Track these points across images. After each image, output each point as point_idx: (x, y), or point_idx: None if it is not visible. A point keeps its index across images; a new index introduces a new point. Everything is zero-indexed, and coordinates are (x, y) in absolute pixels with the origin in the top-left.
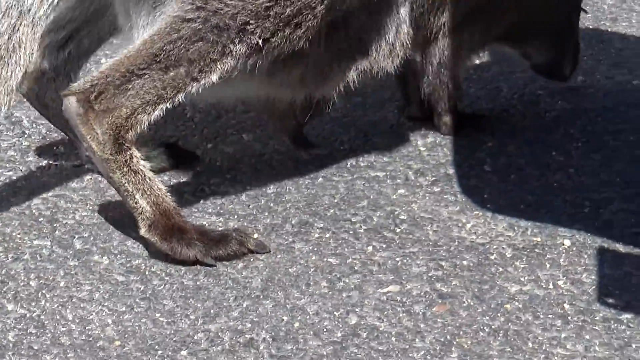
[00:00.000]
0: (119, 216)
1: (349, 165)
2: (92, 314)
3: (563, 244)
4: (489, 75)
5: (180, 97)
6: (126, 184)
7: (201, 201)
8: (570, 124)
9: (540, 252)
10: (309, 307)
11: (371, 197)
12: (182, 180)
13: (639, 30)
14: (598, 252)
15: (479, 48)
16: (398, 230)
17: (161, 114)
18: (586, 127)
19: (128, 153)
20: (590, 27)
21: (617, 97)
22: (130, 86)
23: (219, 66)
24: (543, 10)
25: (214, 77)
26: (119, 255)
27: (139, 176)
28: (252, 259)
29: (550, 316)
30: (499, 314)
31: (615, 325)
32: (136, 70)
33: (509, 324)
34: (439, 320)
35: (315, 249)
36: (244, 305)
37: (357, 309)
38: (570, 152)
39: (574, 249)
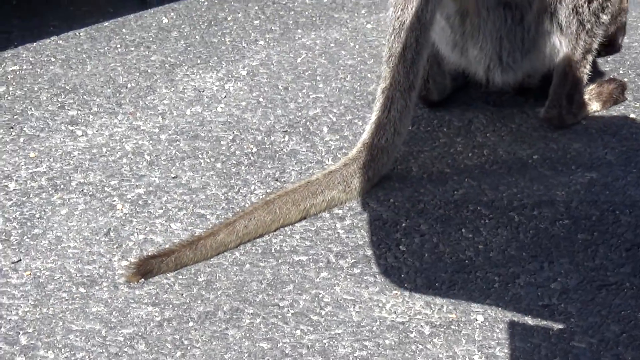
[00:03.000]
0: (60, 310)
1: (273, 251)
2: None
3: (476, 320)
4: (400, 156)
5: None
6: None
7: (136, 291)
8: (476, 202)
9: (456, 329)
10: None
11: (296, 281)
12: (116, 272)
13: (536, 103)
14: (509, 326)
15: None
16: (323, 312)
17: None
18: (493, 203)
19: None
20: (491, 104)
21: (519, 172)
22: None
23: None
24: None
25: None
26: (63, 349)
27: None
28: (189, 347)
29: None
30: None
31: None
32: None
33: None
34: None
35: (248, 335)
36: None
37: None
38: (479, 228)
39: (487, 323)
